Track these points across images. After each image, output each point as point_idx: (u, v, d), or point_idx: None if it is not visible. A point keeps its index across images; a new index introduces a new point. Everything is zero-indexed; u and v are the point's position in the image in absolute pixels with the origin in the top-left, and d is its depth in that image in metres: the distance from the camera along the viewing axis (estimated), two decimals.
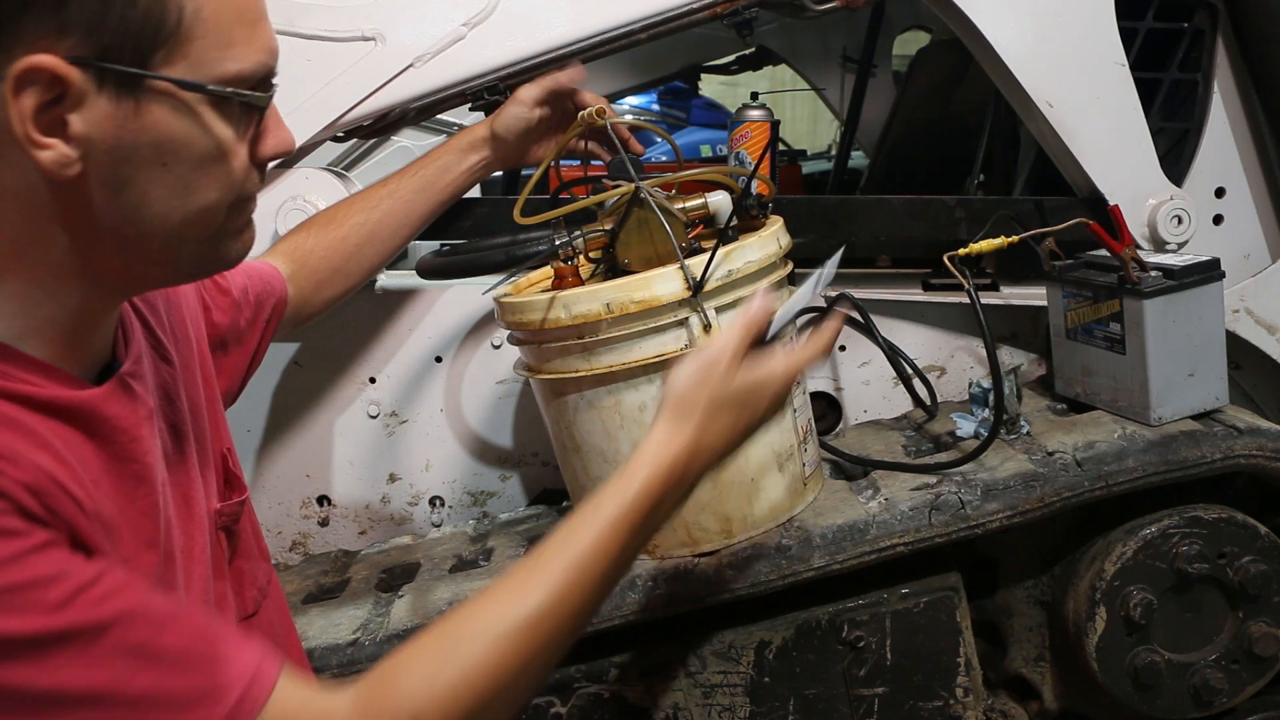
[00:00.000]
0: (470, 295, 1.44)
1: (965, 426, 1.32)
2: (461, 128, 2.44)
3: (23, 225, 0.68)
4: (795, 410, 1.21)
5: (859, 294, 1.48)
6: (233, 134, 0.71)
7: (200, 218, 0.72)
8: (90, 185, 0.67)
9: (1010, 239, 1.30)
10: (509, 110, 1.26)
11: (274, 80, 0.73)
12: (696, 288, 1.08)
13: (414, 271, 1.33)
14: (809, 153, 4.56)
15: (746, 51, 3.00)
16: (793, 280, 1.26)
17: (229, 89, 0.69)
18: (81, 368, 0.74)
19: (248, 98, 0.70)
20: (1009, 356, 1.53)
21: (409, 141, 2.45)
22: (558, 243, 1.15)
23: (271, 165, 0.80)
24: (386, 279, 1.42)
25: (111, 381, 0.75)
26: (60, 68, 0.62)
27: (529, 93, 1.26)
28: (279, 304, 1.14)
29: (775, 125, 1.44)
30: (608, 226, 1.16)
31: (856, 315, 1.40)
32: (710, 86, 4.64)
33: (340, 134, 1.36)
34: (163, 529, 0.78)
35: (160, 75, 0.66)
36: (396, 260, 1.41)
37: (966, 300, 1.26)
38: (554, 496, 1.46)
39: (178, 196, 0.70)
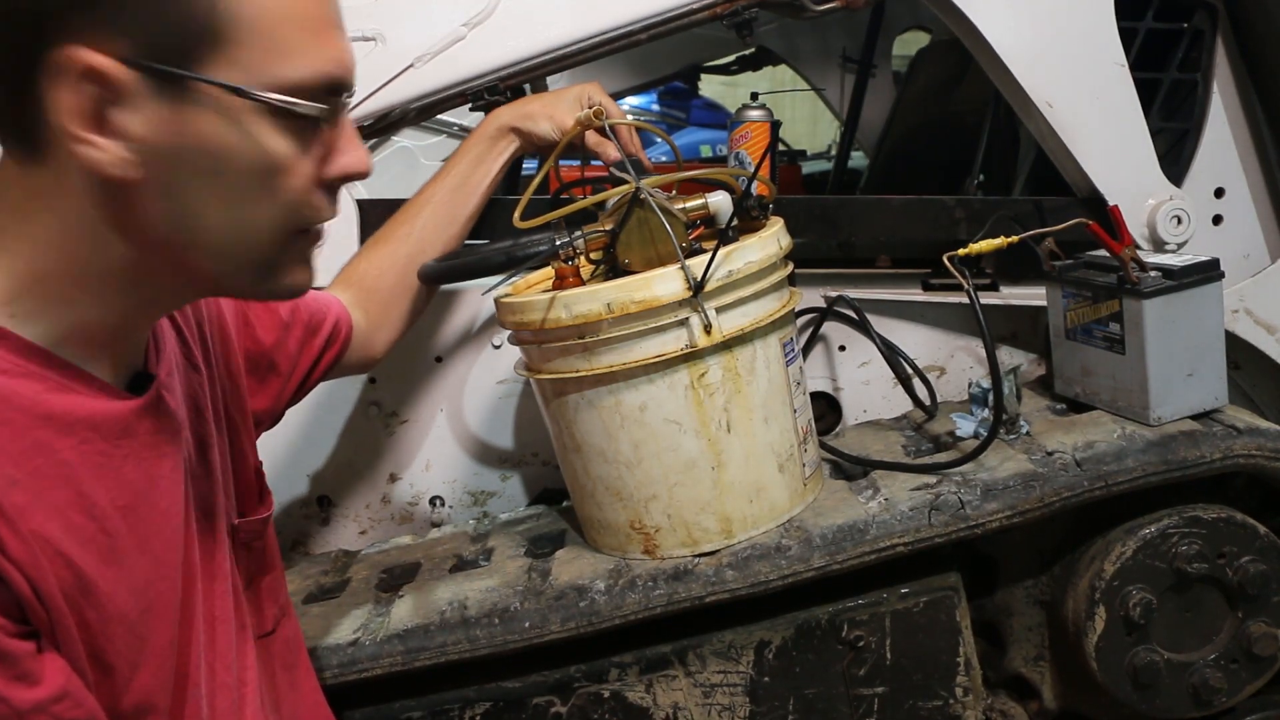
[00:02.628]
0: (470, 296, 1.44)
1: (965, 426, 1.32)
2: (462, 128, 2.44)
3: (79, 227, 0.67)
4: (795, 411, 1.21)
5: (858, 294, 1.48)
6: (290, 148, 0.68)
7: (253, 237, 0.70)
8: (147, 189, 0.66)
9: (1010, 239, 1.30)
10: (541, 125, 1.25)
11: (346, 95, 0.70)
12: (697, 288, 1.08)
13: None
14: (809, 153, 4.57)
15: (746, 52, 3.00)
16: (793, 281, 1.26)
17: (277, 96, 0.65)
18: (114, 374, 0.74)
19: (298, 106, 0.67)
20: (1008, 356, 1.54)
21: (409, 142, 2.45)
22: (558, 243, 1.15)
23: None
24: None
25: (148, 394, 0.75)
26: (103, 64, 0.61)
27: (565, 125, 1.24)
28: (339, 329, 1.12)
29: (775, 126, 1.44)
30: (608, 227, 1.17)
31: None
32: (710, 87, 4.64)
33: None
34: (182, 544, 0.78)
35: (200, 76, 0.63)
36: None
37: (966, 300, 1.26)
38: (554, 496, 1.46)
39: (229, 208, 0.68)
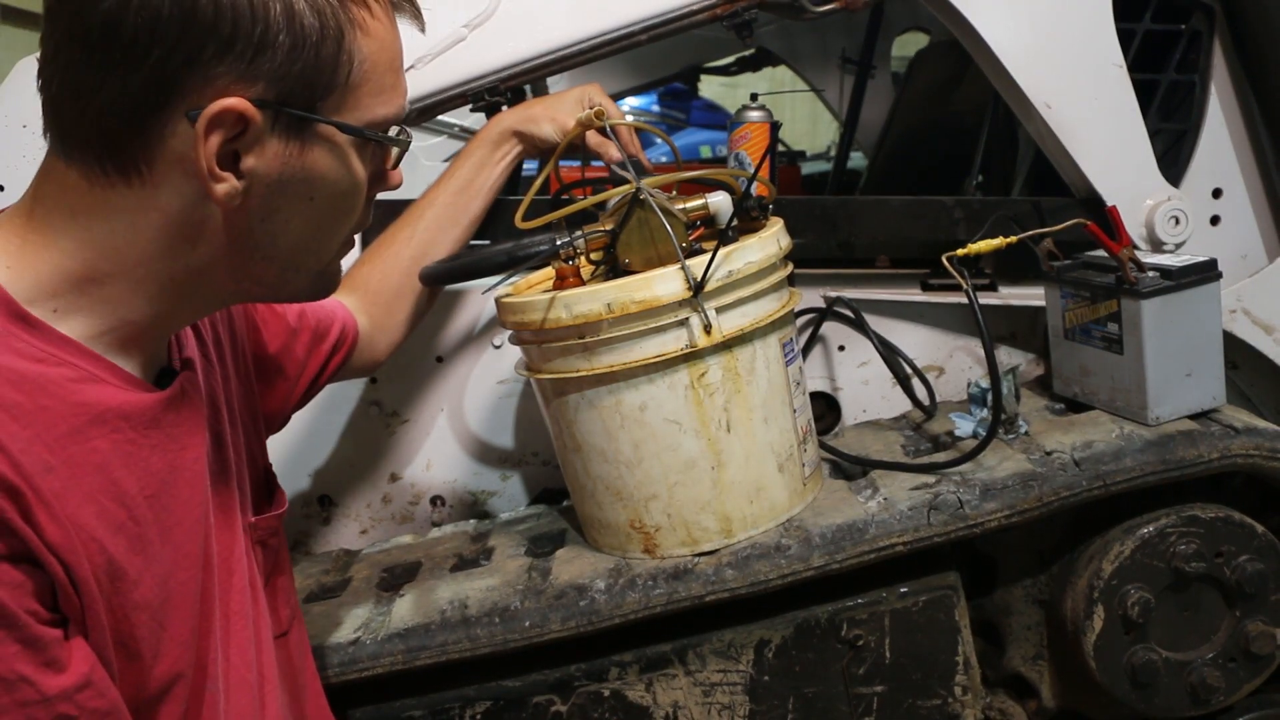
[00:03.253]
0: (471, 296, 1.44)
1: (964, 426, 1.32)
2: (463, 128, 2.44)
3: (158, 240, 0.71)
4: (795, 411, 1.21)
5: (857, 294, 1.48)
6: (367, 172, 0.76)
7: (323, 248, 0.78)
8: (244, 213, 0.71)
9: (1009, 239, 1.30)
10: (543, 128, 1.26)
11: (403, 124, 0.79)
12: (697, 288, 1.08)
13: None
14: (808, 153, 4.58)
15: (746, 53, 3.01)
16: (793, 282, 1.26)
17: (379, 133, 0.75)
18: (142, 369, 0.76)
19: (395, 141, 0.77)
20: (1007, 356, 1.54)
21: None
22: (559, 243, 1.16)
23: None
24: None
25: (174, 385, 0.77)
26: (249, 110, 0.66)
27: (567, 127, 1.25)
28: (346, 333, 1.14)
29: (775, 126, 1.45)
30: (609, 227, 1.17)
31: None
32: (710, 87, 4.65)
33: None
34: (202, 536, 0.79)
35: (329, 120, 0.71)
36: None
37: (965, 300, 1.26)
38: (554, 496, 1.47)
39: (313, 226, 0.75)
